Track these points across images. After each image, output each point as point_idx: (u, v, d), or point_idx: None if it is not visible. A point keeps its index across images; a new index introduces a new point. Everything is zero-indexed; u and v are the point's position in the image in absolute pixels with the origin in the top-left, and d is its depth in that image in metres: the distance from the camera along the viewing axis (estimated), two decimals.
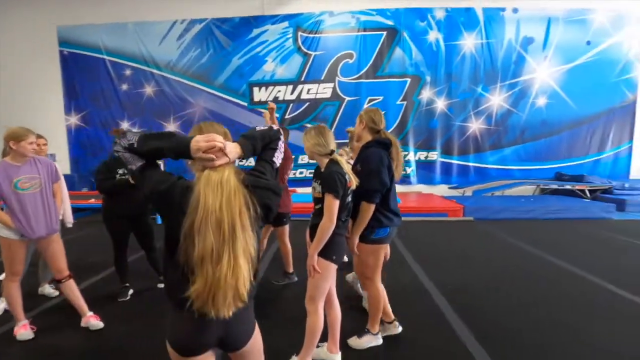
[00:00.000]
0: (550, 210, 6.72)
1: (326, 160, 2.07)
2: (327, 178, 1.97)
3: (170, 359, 1.20)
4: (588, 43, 8.96)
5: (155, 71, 9.50)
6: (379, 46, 9.27)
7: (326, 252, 2.03)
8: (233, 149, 1.11)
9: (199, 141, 1.07)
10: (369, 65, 9.32)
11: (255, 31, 9.31)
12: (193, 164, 1.18)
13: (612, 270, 3.92)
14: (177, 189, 1.10)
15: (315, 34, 9.27)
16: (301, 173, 9.54)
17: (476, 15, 9.05)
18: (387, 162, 2.22)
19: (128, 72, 9.53)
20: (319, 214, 2.05)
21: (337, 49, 9.32)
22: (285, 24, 9.29)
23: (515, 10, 8.98)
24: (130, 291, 3.31)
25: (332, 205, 1.95)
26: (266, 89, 9.50)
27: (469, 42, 9.13)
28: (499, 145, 9.34)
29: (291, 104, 9.50)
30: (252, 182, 1.12)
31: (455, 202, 7.40)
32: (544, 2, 8.87)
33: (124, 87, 9.57)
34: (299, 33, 9.30)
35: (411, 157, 9.53)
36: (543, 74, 9.10)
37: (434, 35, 9.16)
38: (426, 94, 9.34)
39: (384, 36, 9.23)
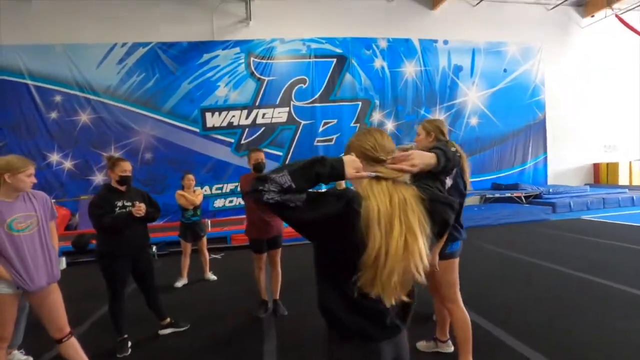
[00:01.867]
0: (502, 216, 7.53)
1: None
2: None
3: None
4: (505, 71, 10.48)
5: (91, 97, 8.60)
6: (330, 72, 9.67)
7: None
8: (426, 159, 1.10)
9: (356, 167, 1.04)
10: (322, 90, 9.63)
11: (206, 56, 9.06)
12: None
13: (587, 264, 4.50)
14: (350, 204, 1.02)
15: (268, 59, 9.35)
16: None
17: (414, 45, 10.02)
18: (460, 173, 2.18)
19: (58, 98, 8.47)
20: None
21: (290, 74, 9.49)
22: (237, 49, 9.23)
23: (445, 42, 10.16)
24: (129, 344, 2.84)
25: None
26: (220, 114, 9.20)
27: (410, 69, 10.03)
28: None
29: (247, 129, 9.32)
30: (430, 196, 1.08)
31: None
32: (468, 36, 10.20)
33: (53, 115, 8.46)
34: (252, 59, 9.30)
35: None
36: (473, 97, 10.34)
37: (379, 63, 9.88)
38: (376, 116, 9.92)
39: (334, 63, 9.68)
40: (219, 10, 9.01)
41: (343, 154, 1.28)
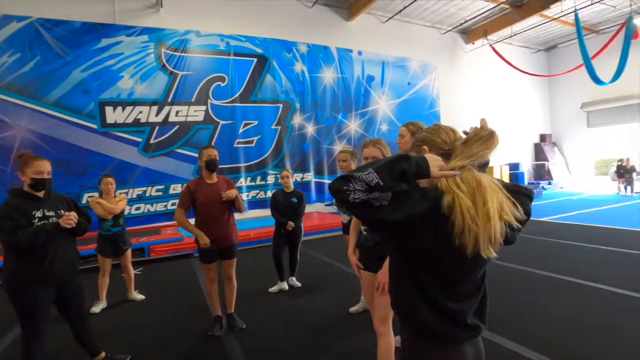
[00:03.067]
0: None
1: None
2: None
3: None
4: (409, 84, 11.67)
5: None
6: (250, 72, 9.35)
7: None
8: None
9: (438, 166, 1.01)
10: (242, 89, 9.24)
11: (105, 41, 7.82)
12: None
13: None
14: (436, 203, 0.99)
15: (182, 52, 8.56)
16: None
17: (332, 53, 10.41)
18: None
19: None
20: None
21: (208, 70, 8.86)
22: (145, 37, 8.20)
23: (360, 53, 10.81)
24: None
25: None
26: (123, 109, 8.02)
27: (329, 76, 10.37)
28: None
29: (157, 127, 8.34)
30: (512, 187, 1.07)
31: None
32: (378, 49, 11.06)
33: None
34: (162, 49, 8.38)
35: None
36: (383, 106, 11.23)
37: (299, 67, 9.96)
38: (297, 119, 9.97)
39: (254, 63, 9.39)
40: None
41: (412, 150, 1.22)
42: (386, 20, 11.09)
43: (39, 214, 2.12)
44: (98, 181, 3.79)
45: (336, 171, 10.52)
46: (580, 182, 14.87)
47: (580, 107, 14.83)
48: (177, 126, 8.55)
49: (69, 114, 7.56)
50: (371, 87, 11.02)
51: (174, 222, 8.14)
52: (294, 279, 4.22)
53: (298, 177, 9.99)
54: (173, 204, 8.43)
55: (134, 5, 8.09)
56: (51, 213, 2.17)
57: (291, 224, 3.98)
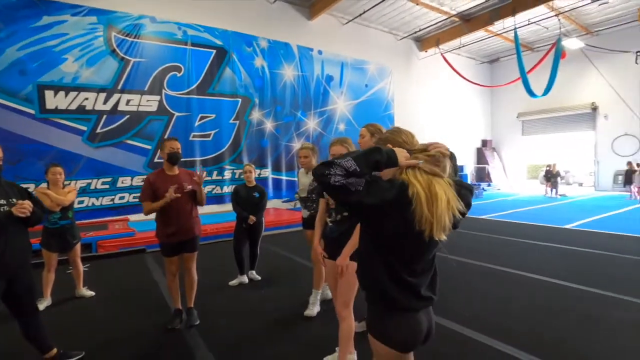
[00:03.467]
0: None
1: None
2: None
3: None
4: (366, 86, 12.07)
5: None
6: (208, 64, 9.11)
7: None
8: None
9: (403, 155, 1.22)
10: (199, 81, 8.98)
11: (47, 19, 7.18)
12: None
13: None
14: (402, 192, 1.18)
15: (135, 38, 8.11)
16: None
17: (293, 50, 10.45)
18: None
19: None
20: (346, 220, 2.19)
21: (163, 59, 8.48)
22: (94, 18, 7.66)
23: (320, 52, 10.98)
24: None
25: None
26: (66, 94, 7.43)
27: (289, 73, 10.41)
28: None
29: (105, 116, 7.83)
30: (458, 182, 1.29)
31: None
32: (338, 50, 11.31)
33: None
34: (113, 33, 7.88)
35: None
36: (341, 106, 11.51)
37: (259, 62, 9.89)
38: (256, 115, 9.89)
39: (213, 54, 9.17)
40: None
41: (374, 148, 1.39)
42: (346, 22, 11.37)
43: None
44: (45, 171, 3.52)
45: (294, 168, 10.61)
46: (514, 184, 16.39)
47: (517, 117, 16.33)
48: (128, 116, 8.09)
49: (2, 96, 6.85)
50: (330, 87, 11.24)
51: (123, 216, 7.77)
52: (254, 272, 4.26)
53: (255, 173, 9.91)
54: (121, 198, 7.99)
55: None
56: (2, 201, 2.03)
57: (253, 218, 4.01)
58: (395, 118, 12.83)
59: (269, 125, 10.11)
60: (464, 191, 1.29)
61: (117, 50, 7.92)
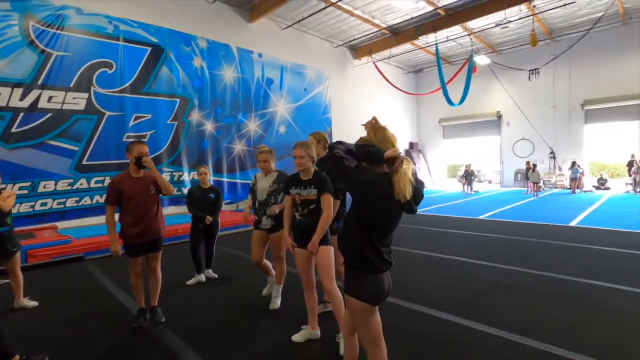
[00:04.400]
0: None
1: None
2: (327, 181, 2.51)
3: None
4: (305, 89, 12.50)
5: None
6: (143, 61, 8.70)
7: (326, 240, 2.52)
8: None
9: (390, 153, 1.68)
10: (133, 79, 8.53)
11: None
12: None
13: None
14: (383, 180, 1.63)
15: (58, 29, 7.46)
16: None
17: (233, 52, 10.45)
18: None
19: None
20: (315, 212, 2.51)
21: (91, 54, 7.91)
22: (6, 5, 6.88)
23: (260, 55, 11.12)
24: None
25: (332, 202, 2.51)
26: None
27: (229, 74, 10.38)
28: None
29: (22, 113, 7.06)
30: (415, 179, 1.71)
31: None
32: (278, 54, 11.56)
33: None
34: (30, 22, 7.16)
35: (186, 176, 9.52)
36: (282, 108, 11.77)
37: (198, 62, 9.71)
38: (195, 116, 9.69)
39: (148, 52, 8.78)
40: None
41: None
42: (285, 28, 11.67)
43: None
44: None
45: (236, 170, 10.60)
46: (437, 182, 18.24)
47: (438, 122, 18.20)
48: (50, 114, 7.40)
49: None
50: (270, 90, 11.43)
51: (48, 224, 7.09)
52: (210, 270, 4.34)
53: (195, 175, 9.70)
54: (43, 205, 7.27)
55: None
56: None
57: (209, 218, 4.11)
58: (333, 121, 13.48)
59: (209, 126, 9.96)
60: (421, 185, 1.73)
61: (37, 41, 7.21)
